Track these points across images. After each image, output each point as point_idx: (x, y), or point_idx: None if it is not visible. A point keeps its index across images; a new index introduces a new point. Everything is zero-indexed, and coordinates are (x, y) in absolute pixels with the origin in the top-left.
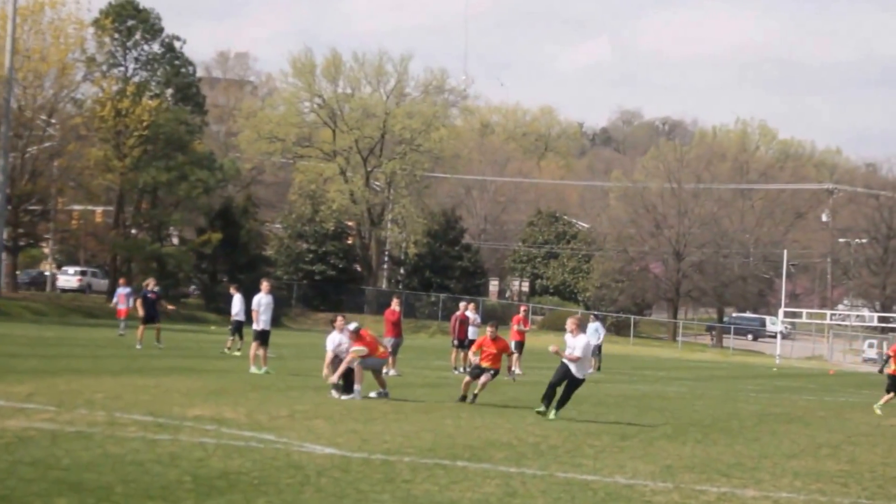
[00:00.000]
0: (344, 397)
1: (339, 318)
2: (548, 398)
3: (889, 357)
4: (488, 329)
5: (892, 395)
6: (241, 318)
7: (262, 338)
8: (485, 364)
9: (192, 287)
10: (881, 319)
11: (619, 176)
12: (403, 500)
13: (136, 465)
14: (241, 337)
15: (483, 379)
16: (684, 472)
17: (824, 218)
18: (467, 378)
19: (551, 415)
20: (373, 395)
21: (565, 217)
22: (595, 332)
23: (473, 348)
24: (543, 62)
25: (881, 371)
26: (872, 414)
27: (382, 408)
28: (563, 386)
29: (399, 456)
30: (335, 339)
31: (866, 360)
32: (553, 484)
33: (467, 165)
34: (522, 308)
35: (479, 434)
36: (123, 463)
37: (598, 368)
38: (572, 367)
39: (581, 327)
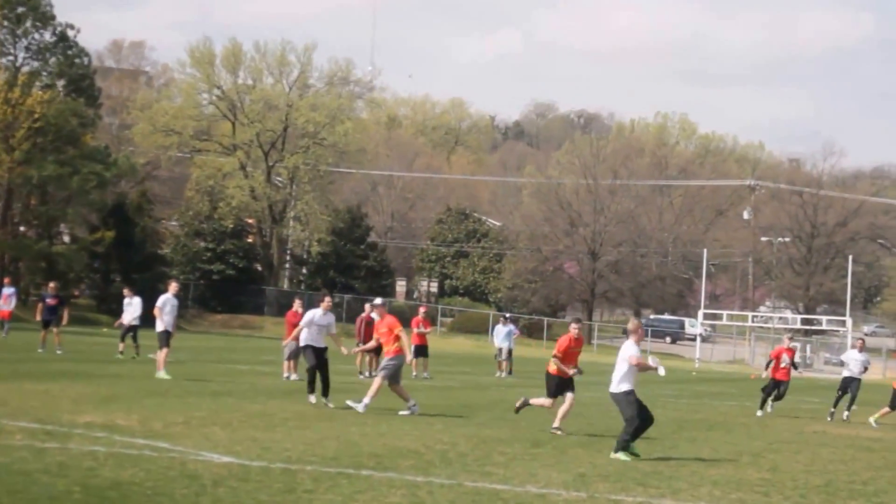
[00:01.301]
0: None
1: (328, 298)
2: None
3: (771, 360)
4: (575, 327)
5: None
6: (137, 322)
7: (167, 338)
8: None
9: (84, 287)
10: (805, 321)
11: (532, 171)
12: None
13: (23, 475)
14: (135, 341)
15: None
16: (599, 481)
17: (746, 215)
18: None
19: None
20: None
21: (476, 214)
22: (507, 336)
23: (557, 352)
24: (453, 53)
25: (766, 367)
26: (794, 420)
27: (283, 415)
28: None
29: (301, 465)
30: (314, 317)
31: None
32: (461, 494)
33: (374, 160)
34: (422, 309)
35: (385, 442)
36: (9, 473)
37: (510, 372)
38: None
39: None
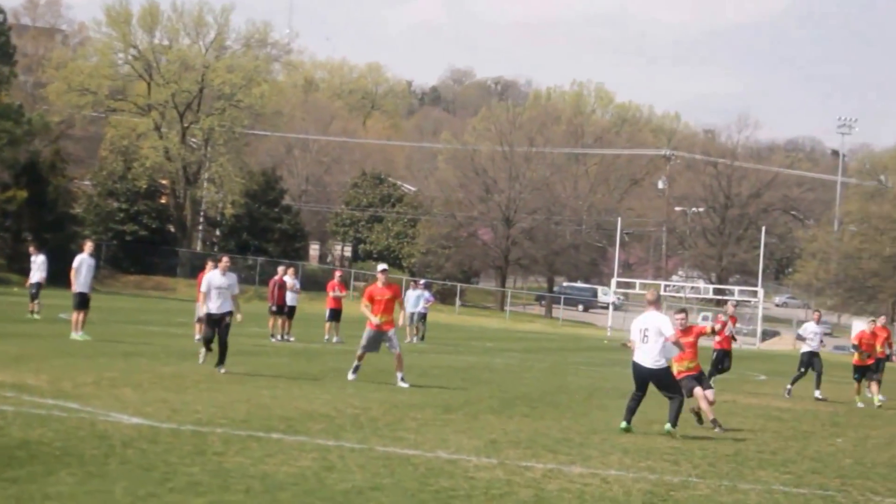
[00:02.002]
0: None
1: (226, 258)
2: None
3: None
4: (680, 317)
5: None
6: (42, 280)
7: (82, 300)
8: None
9: None
10: (717, 291)
11: (448, 137)
12: (214, 474)
13: None
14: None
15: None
16: (510, 448)
17: (661, 185)
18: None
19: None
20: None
21: (391, 179)
22: (417, 300)
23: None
24: (371, 18)
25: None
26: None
27: (194, 377)
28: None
29: (211, 427)
30: (212, 280)
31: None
32: (372, 458)
33: (289, 123)
34: (338, 273)
35: (296, 405)
36: None
37: (423, 338)
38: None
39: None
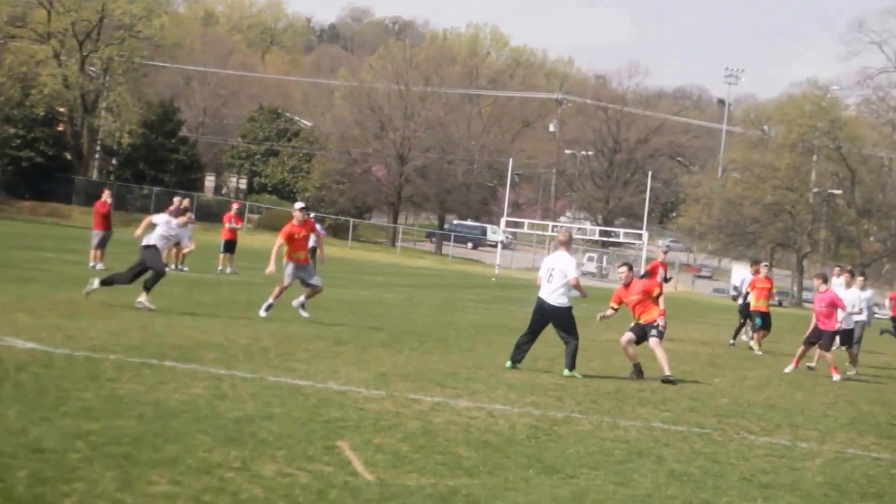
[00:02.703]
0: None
1: (180, 199)
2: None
3: (646, 273)
4: (622, 272)
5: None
6: None
7: None
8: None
9: None
10: (603, 233)
11: (345, 75)
12: (107, 400)
13: None
14: None
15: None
16: (399, 381)
17: (552, 128)
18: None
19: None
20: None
21: (288, 114)
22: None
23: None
24: None
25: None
26: (590, 327)
27: (88, 304)
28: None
29: (104, 354)
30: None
31: (586, 274)
32: (263, 388)
33: (188, 55)
34: (235, 205)
35: (189, 334)
36: None
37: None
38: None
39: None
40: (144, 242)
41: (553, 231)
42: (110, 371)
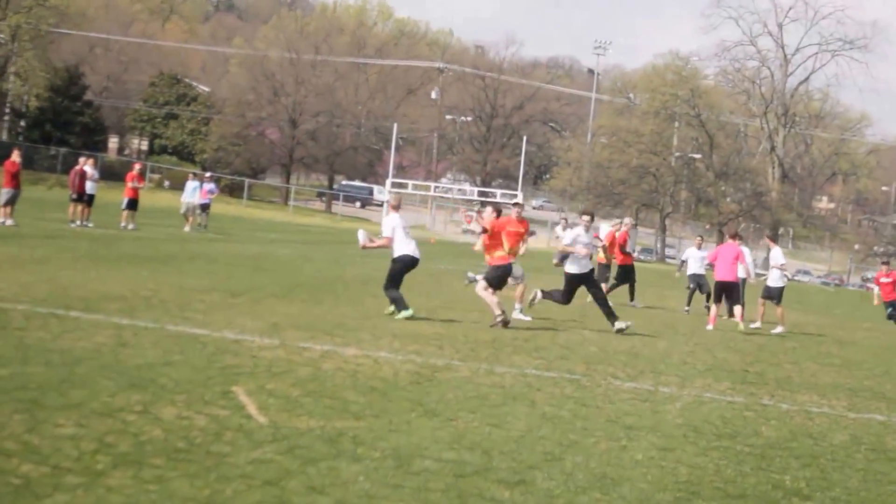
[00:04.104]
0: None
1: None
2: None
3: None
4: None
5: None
6: None
7: None
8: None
9: None
10: (481, 194)
11: (240, 43)
12: (16, 348)
13: None
14: None
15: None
16: (290, 330)
17: (434, 95)
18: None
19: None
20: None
21: (186, 80)
22: (193, 191)
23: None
24: None
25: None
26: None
27: None
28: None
29: (13, 304)
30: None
31: (465, 232)
32: (164, 336)
33: (92, 23)
34: (137, 166)
35: (93, 286)
36: None
37: (205, 227)
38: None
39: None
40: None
41: (434, 192)
42: (19, 320)
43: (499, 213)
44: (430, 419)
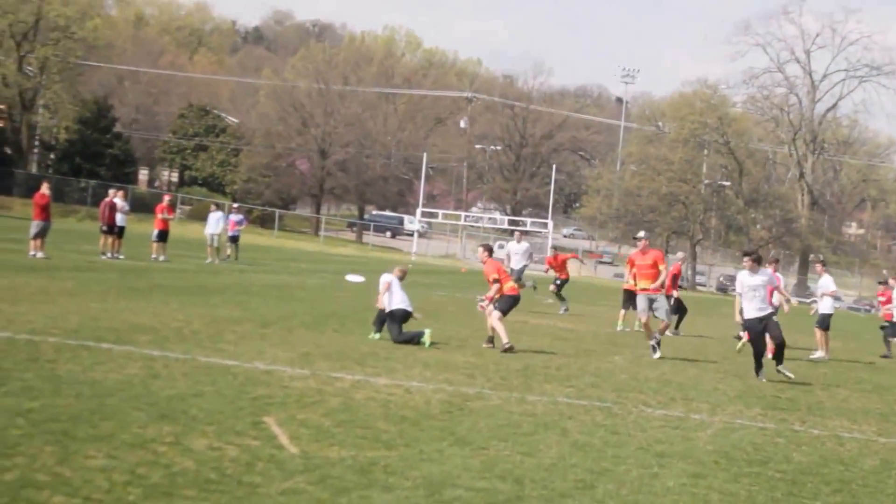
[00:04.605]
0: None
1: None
2: None
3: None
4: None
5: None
6: None
7: None
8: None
9: None
10: (511, 222)
11: (269, 74)
12: (47, 379)
13: None
14: None
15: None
16: (321, 360)
17: (463, 124)
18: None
19: None
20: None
21: (216, 111)
22: (217, 222)
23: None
24: None
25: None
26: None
27: (28, 289)
28: None
29: (44, 336)
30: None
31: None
32: (194, 368)
33: (120, 56)
34: (167, 197)
35: (124, 318)
36: None
37: (236, 258)
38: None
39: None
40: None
41: (465, 221)
42: (49, 353)
43: (490, 251)
44: (462, 448)
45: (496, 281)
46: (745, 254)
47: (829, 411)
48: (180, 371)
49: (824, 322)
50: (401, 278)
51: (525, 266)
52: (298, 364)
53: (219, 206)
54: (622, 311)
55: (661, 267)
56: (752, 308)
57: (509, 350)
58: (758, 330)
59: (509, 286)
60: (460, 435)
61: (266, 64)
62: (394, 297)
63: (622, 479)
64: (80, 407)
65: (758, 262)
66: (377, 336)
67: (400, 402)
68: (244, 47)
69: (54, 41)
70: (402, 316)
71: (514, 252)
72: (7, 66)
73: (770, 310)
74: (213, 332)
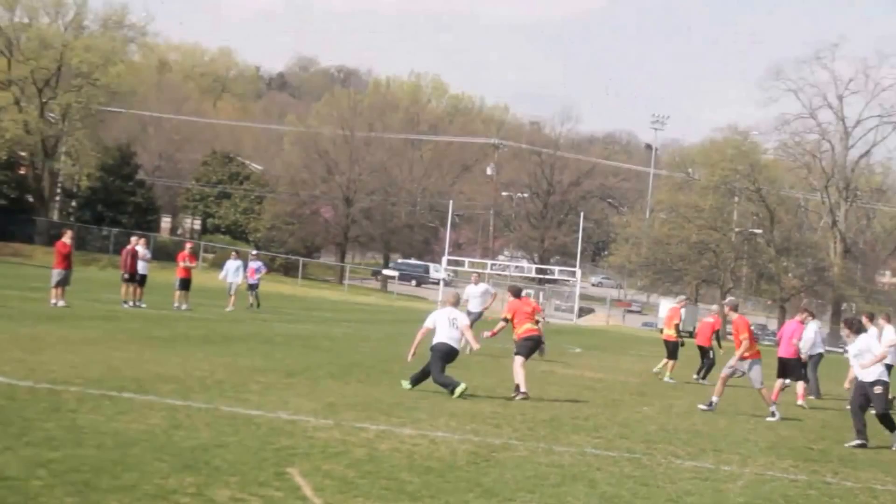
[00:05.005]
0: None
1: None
2: None
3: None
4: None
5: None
6: None
7: None
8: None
9: None
10: (539, 271)
11: (293, 120)
12: (68, 430)
13: None
14: None
15: None
16: (346, 410)
17: (489, 171)
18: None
19: None
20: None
21: (239, 158)
22: (237, 271)
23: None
24: (221, 3)
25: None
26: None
27: (50, 338)
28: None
29: (66, 386)
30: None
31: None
32: (218, 417)
33: (144, 102)
34: (188, 245)
35: (147, 367)
36: None
37: (258, 306)
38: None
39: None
40: None
41: (491, 269)
42: (71, 402)
43: (515, 293)
44: (488, 500)
45: (506, 320)
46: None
47: (862, 463)
48: (203, 421)
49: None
50: (454, 304)
51: (484, 309)
52: (323, 414)
53: (238, 254)
54: (670, 363)
55: (743, 336)
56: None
57: (524, 398)
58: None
59: (525, 328)
60: (486, 486)
61: (290, 110)
62: (439, 333)
63: None
64: (102, 457)
65: (852, 328)
66: (407, 385)
67: (425, 453)
68: (268, 93)
69: (76, 88)
70: (445, 352)
71: (472, 295)
72: (29, 113)
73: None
74: (236, 382)
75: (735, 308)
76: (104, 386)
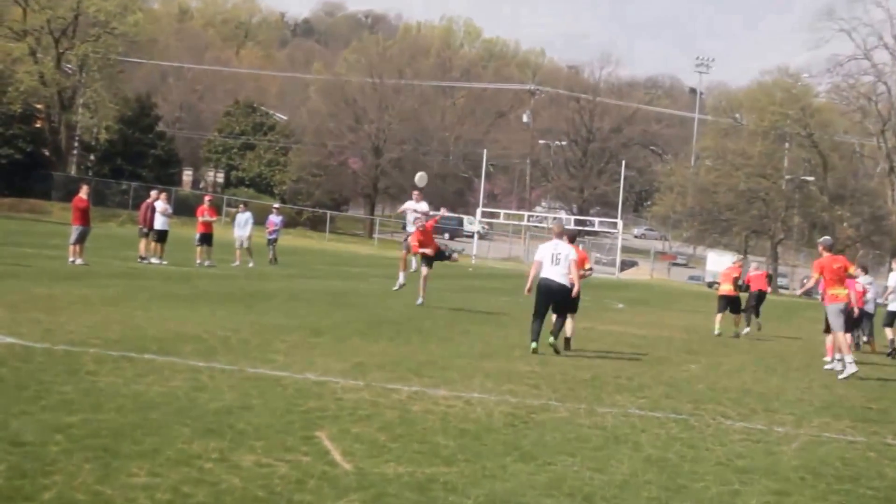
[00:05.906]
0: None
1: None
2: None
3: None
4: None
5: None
6: None
7: None
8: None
9: None
10: (578, 222)
11: (319, 68)
12: (87, 393)
13: None
14: None
15: None
16: (376, 371)
17: (525, 119)
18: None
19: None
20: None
21: (263, 108)
22: (246, 223)
23: None
24: None
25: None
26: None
27: (68, 298)
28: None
29: (84, 347)
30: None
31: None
32: (242, 379)
33: (164, 51)
34: (207, 198)
35: (169, 327)
36: None
37: (276, 261)
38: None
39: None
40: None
41: (528, 221)
42: (90, 364)
43: (572, 238)
44: (527, 463)
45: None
46: None
47: None
48: (227, 383)
49: (889, 319)
50: (559, 236)
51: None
52: (352, 375)
53: (246, 206)
54: (718, 315)
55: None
56: None
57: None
58: None
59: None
60: (525, 449)
61: (316, 58)
62: (543, 269)
63: (700, 496)
64: (122, 421)
65: None
66: (534, 345)
67: (460, 415)
68: (293, 40)
69: (94, 37)
70: (543, 290)
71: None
72: (45, 64)
73: None
74: (261, 342)
75: (828, 248)
76: (124, 347)
